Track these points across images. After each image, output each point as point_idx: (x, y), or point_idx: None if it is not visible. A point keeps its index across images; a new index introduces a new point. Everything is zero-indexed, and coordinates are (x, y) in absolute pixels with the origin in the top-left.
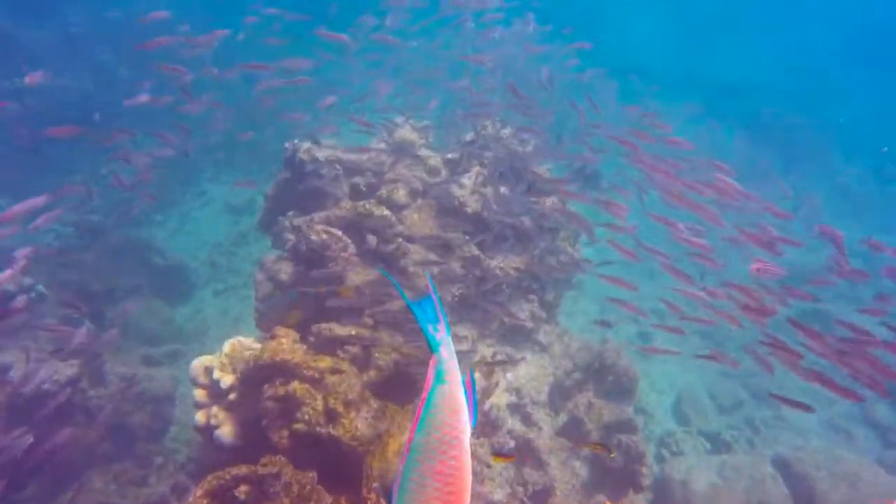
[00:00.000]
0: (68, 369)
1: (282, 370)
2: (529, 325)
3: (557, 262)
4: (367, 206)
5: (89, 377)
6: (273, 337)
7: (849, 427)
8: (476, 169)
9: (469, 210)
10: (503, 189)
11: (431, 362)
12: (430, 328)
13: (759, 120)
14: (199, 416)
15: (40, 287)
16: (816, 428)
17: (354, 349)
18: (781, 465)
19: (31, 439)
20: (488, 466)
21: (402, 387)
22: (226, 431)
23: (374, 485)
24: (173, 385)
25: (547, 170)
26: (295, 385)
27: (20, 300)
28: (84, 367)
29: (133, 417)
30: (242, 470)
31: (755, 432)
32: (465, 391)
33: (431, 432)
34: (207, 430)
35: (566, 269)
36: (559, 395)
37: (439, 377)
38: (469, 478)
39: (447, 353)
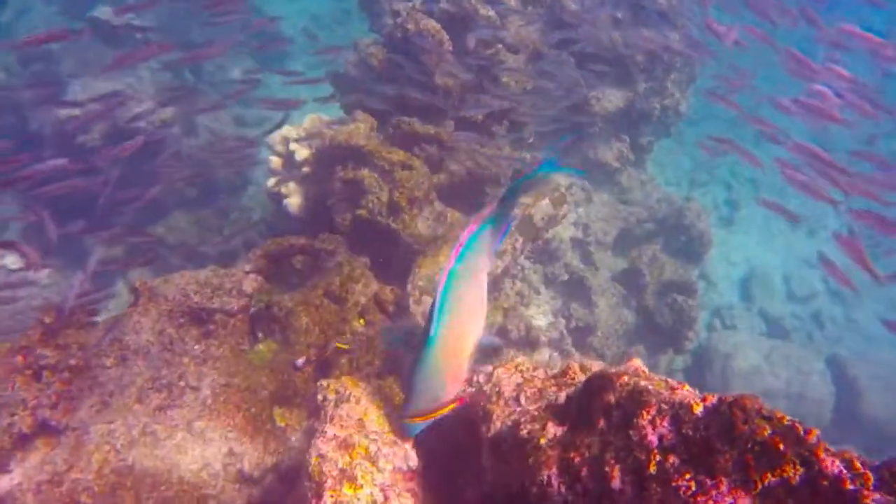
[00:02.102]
0: (163, 113)
1: (354, 155)
2: (615, 164)
3: (660, 106)
4: (474, 3)
5: (182, 126)
6: (352, 120)
7: None
8: None
9: (583, 29)
10: (620, 14)
11: (495, 204)
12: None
13: None
14: (271, 183)
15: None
16: (891, 340)
17: (430, 149)
18: (835, 365)
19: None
20: (537, 293)
21: (469, 195)
22: (294, 202)
23: (420, 283)
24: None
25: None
26: (364, 172)
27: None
28: (178, 114)
29: (218, 171)
30: (301, 241)
31: (819, 327)
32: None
33: (468, 264)
34: (277, 198)
35: (667, 115)
36: (626, 241)
37: (492, 220)
38: (485, 305)
39: (514, 209)
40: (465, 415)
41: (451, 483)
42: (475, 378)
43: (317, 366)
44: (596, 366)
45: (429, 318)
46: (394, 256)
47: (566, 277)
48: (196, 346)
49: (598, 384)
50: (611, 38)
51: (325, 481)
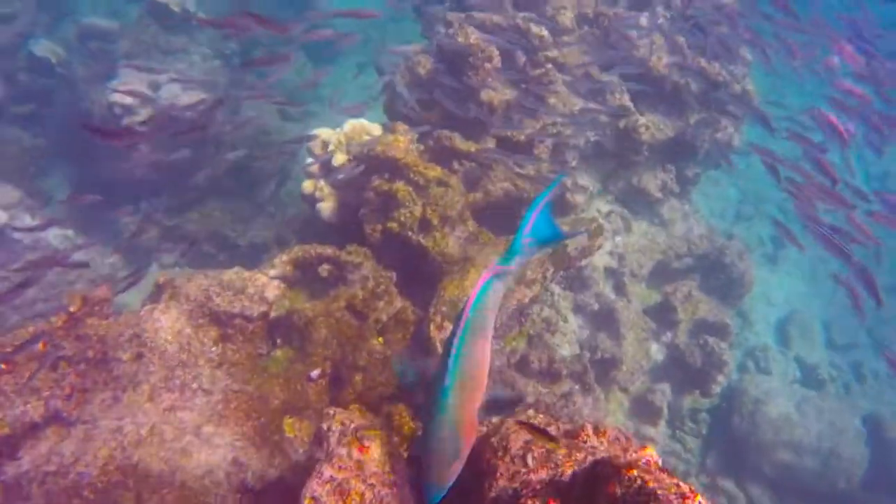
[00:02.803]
0: (209, 101)
1: (390, 166)
2: (657, 195)
3: (710, 139)
4: (527, 20)
5: (228, 116)
6: (392, 131)
7: None
8: (660, 10)
9: (637, 53)
10: (681, 39)
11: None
12: (525, 236)
13: None
14: (307, 185)
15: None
16: None
17: (469, 166)
18: (874, 424)
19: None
20: (565, 320)
21: (504, 217)
22: (327, 207)
23: (443, 307)
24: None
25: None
26: (399, 185)
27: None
28: (223, 103)
29: (258, 163)
30: (328, 251)
31: (859, 380)
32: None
33: (483, 311)
34: (311, 200)
35: (718, 149)
36: (662, 275)
37: (499, 276)
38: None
39: (516, 263)
40: (470, 462)
41: None
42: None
43: (331, 379)
44: (611, 430)
45: (443, 369)
46: (421, 273)
47: (596, 307)
48: (213, 349)
49: (604, 472)
50: (666, 64)
51: None
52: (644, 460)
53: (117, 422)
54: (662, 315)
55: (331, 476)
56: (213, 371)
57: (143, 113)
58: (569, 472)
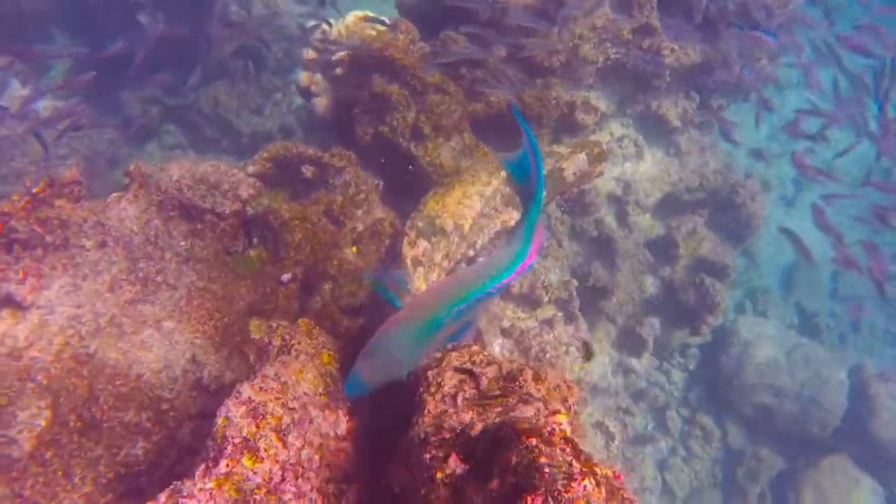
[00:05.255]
0: None
1: (388, 67)
2: (676, 124)
3: (742, 71)
4: None
5: None
6: (394, 27)
7: None
8: None
9: None
10: None
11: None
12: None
13: None
14: (303, 77)
15: None
16: None
17: (476, 73)
18: (858, 377)
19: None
20: (560, 246)
21: (505, 131)
22: (321, 103)
23: (419, 223)
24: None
25: None
26: (394, 88)
27: None
28: None
29: (266, 47)
30: (310, 151)
31: (855, 332)
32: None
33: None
34: (307, 94)
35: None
36: (668, 207)
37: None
38: None
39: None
40: (405, 394)
41: (377, 457)
42: None
43: (302, 284)
44: (552, 376)
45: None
46: (410, 183)
47: (595, 234)
48: (182, 243)
49: (505, 436)
50: None
51: (226, 447)
52: (549, 428)
53: (75, 310)
54: (662, 248)
55: (248, 398)
56: (180, 266)
57: None
58: (480, 427)
